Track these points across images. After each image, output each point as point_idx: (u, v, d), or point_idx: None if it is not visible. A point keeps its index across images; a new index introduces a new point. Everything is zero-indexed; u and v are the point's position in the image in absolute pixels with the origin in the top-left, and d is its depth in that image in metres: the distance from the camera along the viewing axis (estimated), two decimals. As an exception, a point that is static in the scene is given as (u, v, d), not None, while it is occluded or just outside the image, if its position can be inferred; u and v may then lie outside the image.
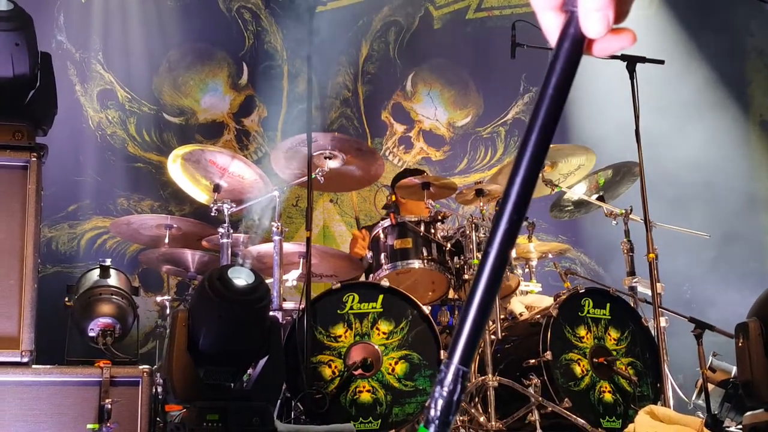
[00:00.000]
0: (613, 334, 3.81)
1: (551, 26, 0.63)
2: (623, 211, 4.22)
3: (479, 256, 3.90)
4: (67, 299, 3.61)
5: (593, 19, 0.60)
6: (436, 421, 0.61)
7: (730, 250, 6.16)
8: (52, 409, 2.71)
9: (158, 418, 3.07)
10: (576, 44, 0.61)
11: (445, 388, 0.60)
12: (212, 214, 4.19)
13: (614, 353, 3.74)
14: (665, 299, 3.95)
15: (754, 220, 6.65)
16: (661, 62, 4.21)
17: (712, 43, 6.71)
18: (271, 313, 3.33)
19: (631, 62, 4.06)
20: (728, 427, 4.02)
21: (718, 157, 6.45)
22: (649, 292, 3.83)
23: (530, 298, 4.41)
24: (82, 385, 2.77)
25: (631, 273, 4.15)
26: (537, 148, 0.61)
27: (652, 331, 3.84)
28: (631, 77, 4.05)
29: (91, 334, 3.34)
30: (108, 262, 3.76)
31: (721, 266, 6.17)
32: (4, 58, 2.79)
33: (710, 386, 4.05)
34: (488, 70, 6.87)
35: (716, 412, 3.99)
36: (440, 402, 0.61)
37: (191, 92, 6.27)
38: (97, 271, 3.72)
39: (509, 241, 0.61)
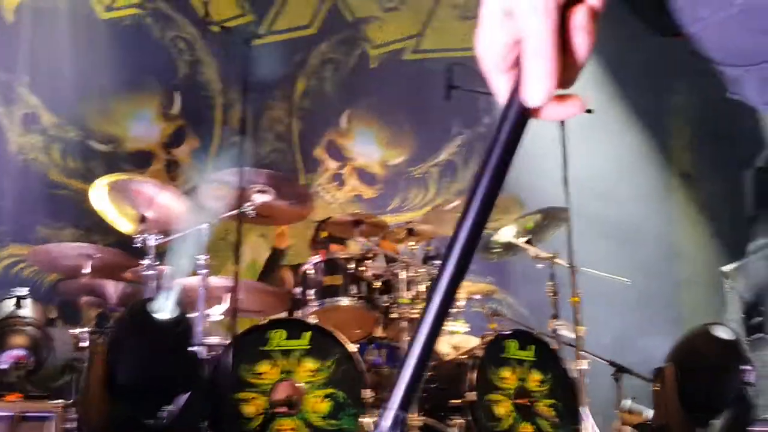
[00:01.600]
0: (536, 375, 3.85)
1: (502, 88, 0.64)
2: (549, 255, 4.31)
3: (407, 294, 3.93)
4: (-23, 329, 3.44)
5: (533, 88, 0.61)
6: None
7: (650, 296, 6.35)
8: (-45, 445, 2.57)
9: (70, 457, 2.93)
10: (523, 109, 0.62)
11: None
12: (136, 245, 4.09)
13: (537, 395, 3.79)
14: (587, 342, 4.03)
15: (674, 267, 6.89)
16: (590, 111, 4.34)
17: (638, 98, 6.99)
18: (194, 348, 3.25)
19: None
20: (645, 469, 4.10)
21: (640, 205, 6.69)
22: (573, 335, 3.90)
23: (457, 339, 4.43)
24: (-11, 421, 2.64)
25: (555, 316, 4.23)
26: (485, 199, 0.62)
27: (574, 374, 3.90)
28: (561, 124, 4.16)
29: (3, 366, 3.19)
30: (23, 291, 3.62)
31: (642, 311, 6.35)
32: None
33: (627, 429, 4.12)
34: (423, 111, 6.98)
35: (634, 455, 4.07)
36: None
37: (120, 120, 6.15)
38: (11, 301, 3.57)
39: (454, 288, 0.61)
